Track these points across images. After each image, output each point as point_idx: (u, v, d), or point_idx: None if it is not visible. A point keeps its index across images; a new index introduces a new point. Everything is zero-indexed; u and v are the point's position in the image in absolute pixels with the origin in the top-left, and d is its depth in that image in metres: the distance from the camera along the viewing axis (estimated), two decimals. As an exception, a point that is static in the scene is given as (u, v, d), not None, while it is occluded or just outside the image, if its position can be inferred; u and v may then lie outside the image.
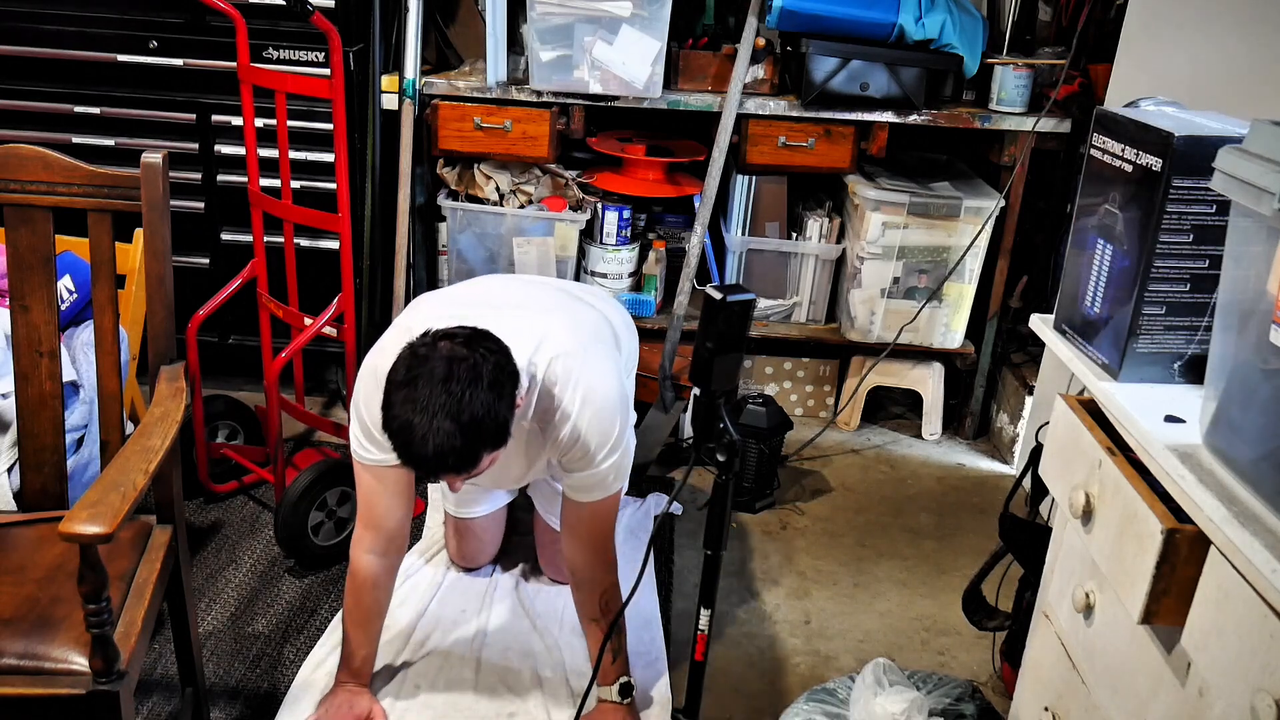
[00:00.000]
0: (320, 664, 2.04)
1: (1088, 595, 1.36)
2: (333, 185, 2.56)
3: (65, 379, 1.81)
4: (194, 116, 2.81)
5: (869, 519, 2.77)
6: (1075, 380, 1.42)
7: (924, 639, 2.31)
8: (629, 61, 2.75)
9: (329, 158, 2.75)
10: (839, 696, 1.88)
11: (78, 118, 2.81)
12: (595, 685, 1.91)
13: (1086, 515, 1.32)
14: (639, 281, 3.20)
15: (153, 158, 1.62)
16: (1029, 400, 2.93)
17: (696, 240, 2.87)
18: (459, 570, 2.37)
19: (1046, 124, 2.83)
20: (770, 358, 3.26)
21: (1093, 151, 1.37)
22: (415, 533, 2.50)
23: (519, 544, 2.45)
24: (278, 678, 2.05)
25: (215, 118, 2.81)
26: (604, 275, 3.12)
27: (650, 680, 2.06)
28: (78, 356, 2.12)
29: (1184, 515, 1.12)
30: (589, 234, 3.10)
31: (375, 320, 2.97)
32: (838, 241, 3.12)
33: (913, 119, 2.86)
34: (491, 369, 1.51)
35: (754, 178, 3.06)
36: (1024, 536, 1.89)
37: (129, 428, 2.16)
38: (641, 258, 3.20)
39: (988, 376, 3.16)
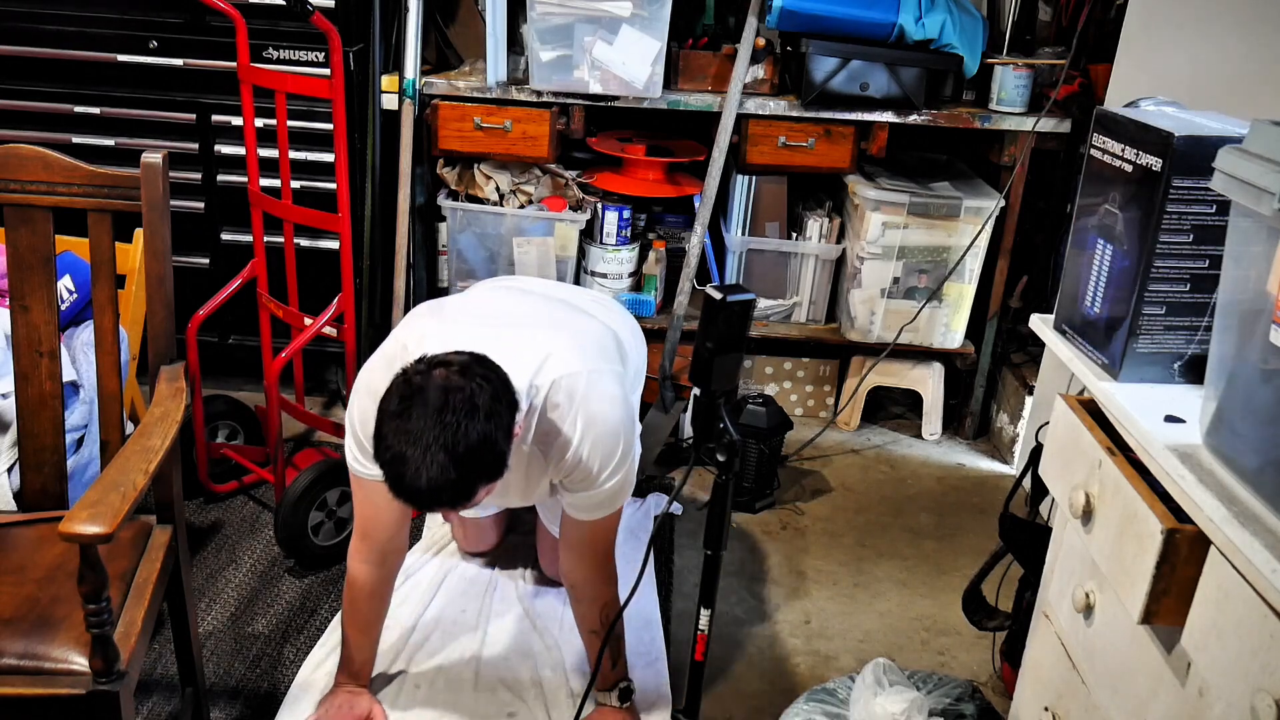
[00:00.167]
0: (320, 664, 2.04)
1: (1088, 595, 1.36)
2: (333, 185, 2.56)
3: (65, 379, 1.81)
4: (194, 116, 2.81)
5: (869, 519, 2.77)
6: (1075, 380, 1.42)
7: (924, 639, 2.31)
8: (629, 61, 2.75)
9: (329, 158, 2.75)
10: (839, 696, 1.88)
11: (78, 118, 2.81)
12: (595, 690, 1.91)
13: (1086, 515, 1.32)
14: (639, 281, 3.20)
15: (153, 158, 1.62)
16: (1029, 400, 2.93)
17: (696, 240, 2.87)
18: (464, 558, 2.37)
19: (1046, 124, 2.83)
20: (770, 358, 3.26)
21: (1093, 151, 1.37)
22: (415, 533, 2.50)
23: (519, 544, 2.45)
24: (278, 678, 2.05)
25: (215, 118, 2.81)
26: (604, 275, 3.12)
27: (650, 680, 2.06)
28: (78, 356, 2.12)
29: (1184, 515, 1.12)
30: (589, 234, 3.10)
31: (375, 320, 2.98)
32: (838, 241, 3.12)
33: (913, 119, 2.86)
34: (488, 398, 1.45)
35: (754, 178, 3.06)
36: (1024, 536, 1.89)
37: (129, 428, 2.16)
38: (641, 258, 3.20)
39: (988, 376, 3.16)
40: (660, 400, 2.90)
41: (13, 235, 1.65)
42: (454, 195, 3.06)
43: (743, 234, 3.12)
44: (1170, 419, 1.23)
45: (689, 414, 2.93)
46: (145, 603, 1.53)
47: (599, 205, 3.05)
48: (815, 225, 3.10)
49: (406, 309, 2.95)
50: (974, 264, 2.99)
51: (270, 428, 2.37)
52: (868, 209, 2.95)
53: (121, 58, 2.75)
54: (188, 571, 1.75)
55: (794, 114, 2.86)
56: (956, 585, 2.31)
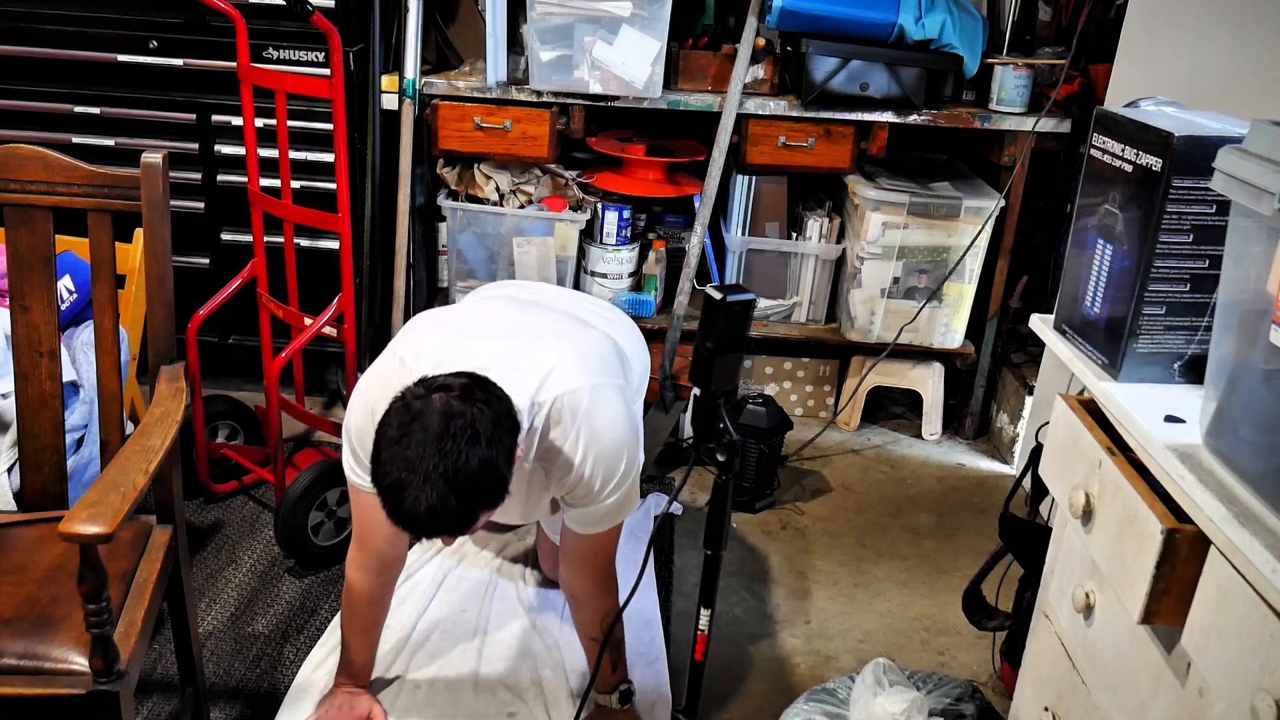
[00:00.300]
0: (320, 664, 2.04)
1: (1088, 595, 1.36)
2: (333, 185, 2.56)
3: (65, 379, 1.81)
4: (194, 116, 2.81)
5: (869, 519, 2.77)
6: (1075, 380, 1.42)
7: (924, 639, 2.31)
8: (629, 61, 2.75)
9: (329, 158, 2.75)
10: (839, 696, 1.88)
11: (78, 118, 2.81)
12: (595, 692, 1.91)
13: (1086, 515, 1.32)
14: (639, 281, 3.20)
15: (153, 158, 1.62)
16: (1029, 400, 2.93)
17: (696, 240, 2.87)
18: (464, 559, 2.37)
19: (1046, 124, 2.83)
20: (770, 358, 3.26)
21: (1093, 151, 1.37)
22: (415, 533, 2.50)
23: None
24: (278, 678, 2.05)
25: (215, 118, 2.81)
26: (604, 275, 3.12)
27: (650, 680, 2.06)
28: (78, 356, 2.12)
29: (1184, 515, 1.12)
30: (589, 234, 3.10)
31: (375, 320, 2.98)
32: (838, 241, 3.12)
33: (913, 119, 2.86)
34: (489, 424, 1.42)
35: (754, 178, 3.06)
36: (1024, 536, 1.89)
37: (129, 428, 2.16)
38: (641, 258, 3.20)
39: (988, 376, 3.16)
40: (660, 400, 2.90)
41: (13, 235, 1.65)
42: (454, 195, 3.06)
43: (743, 234, 3.12)
44: (1170, 419, 1.23)
45: (689, 414, 2.94)
46: (145, 603, 1.53)
47: (599, 205, 3.05)
48: (815, 225, 3.10)
49: (406, 309, 2.96)
50: (974, 264, 2.99)
51: (270, 428, 2.37)
52: (868, 209, 2.95)
53: (121, 58, 2.75)
54: (188, 571, 1.75)
55: (794, 114, 2.86)
56: (956, 585, 2.31)
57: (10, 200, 1.64)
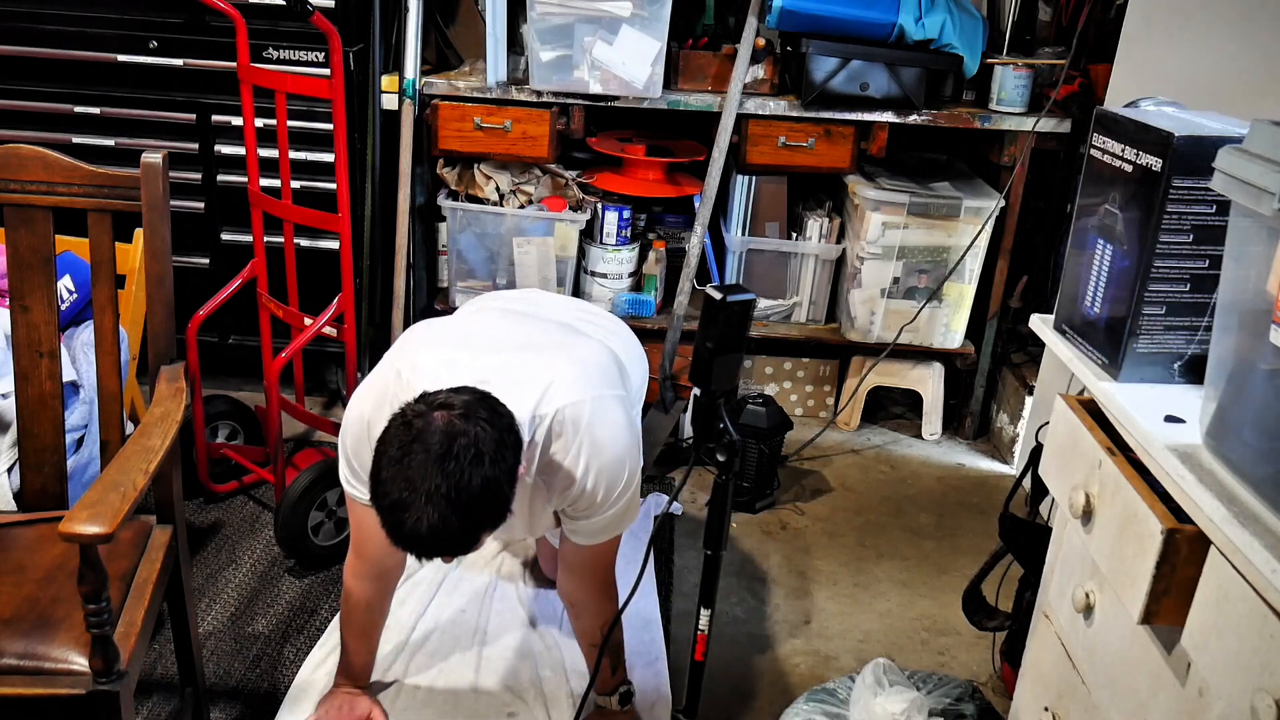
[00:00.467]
0: (320, 664, 2.04)
1: (1088, 595, 1.36)
2: (333, 185, 2.56)
3: (65, 379, 1.81)
4: (194, 116, 2.81)
5: (869, 519, 2.77)
6: (1075, 380, 1.42)
7: (924, 639, 2.31)
8: (629, 61, 2.75)
9: (329, 158, 2.75)
10: (839, 696, 1.88)
11: (78, 118, 2.81)
12: (595, 694, 1.91)
13: (1086, 515, 1.32)
14: (639, 281, 3.20)
15: (153, 158, 1.62)
16: (1029, 400, 2.93)
17: (696, 240, 2.87)
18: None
19: (1046, 124, 2.83)
20: (770, 358, 3.26)
21: (1093, 151, 1.37)
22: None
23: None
24: (278, 678, 2.05)
25: (215, 118, 2.81)
26: (604, 275, 3.12)
27: (650, 680, 2.06)
28: (78, 356, 2.12)
29: (1184, 515, 1.12)
30: (589, 234, 3.10)
31: (375, 320, 2.98)
32: (838, 241, 3.12)
33: (913, 119, 2.86)
34: (493, 443, 1.39)
35: (754, 178, 3.06)
36: (1024, 536, 1.89)
37: (129, 428, 2.16)
38: (641, 258, 3.20)
39: (988, 376, 3.16)
40: (660, 400, 2.90)
41: (13, 235, 1.65)
42: (454, 195, 3.06)
43: (743, 234, 3.12)
44: (1170, 419, 1.23)
45: (689, 414, 2.94)
46: (145, 603, 1.53)
47: (599, 205, 3.05)
48: (815, 225, 3.10)
49: (406, 309, 2.96)
50: (974, 264, 2.99)
51: (270, 428, 2.37)
52: (868, 209, 2.95)
53: (121, 58, 2.75)
54: (188, 571, 1.75)
55: (794, 114, 2.86)
56: (956, 585, 2.31)
57: (10, 200, 1.64)
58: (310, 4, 2.12)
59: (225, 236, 2.92)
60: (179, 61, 2.76)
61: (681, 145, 3.09)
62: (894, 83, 2.78)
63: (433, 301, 3.18)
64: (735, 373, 1.71)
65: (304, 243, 2.83)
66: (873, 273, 3.01)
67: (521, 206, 3.04)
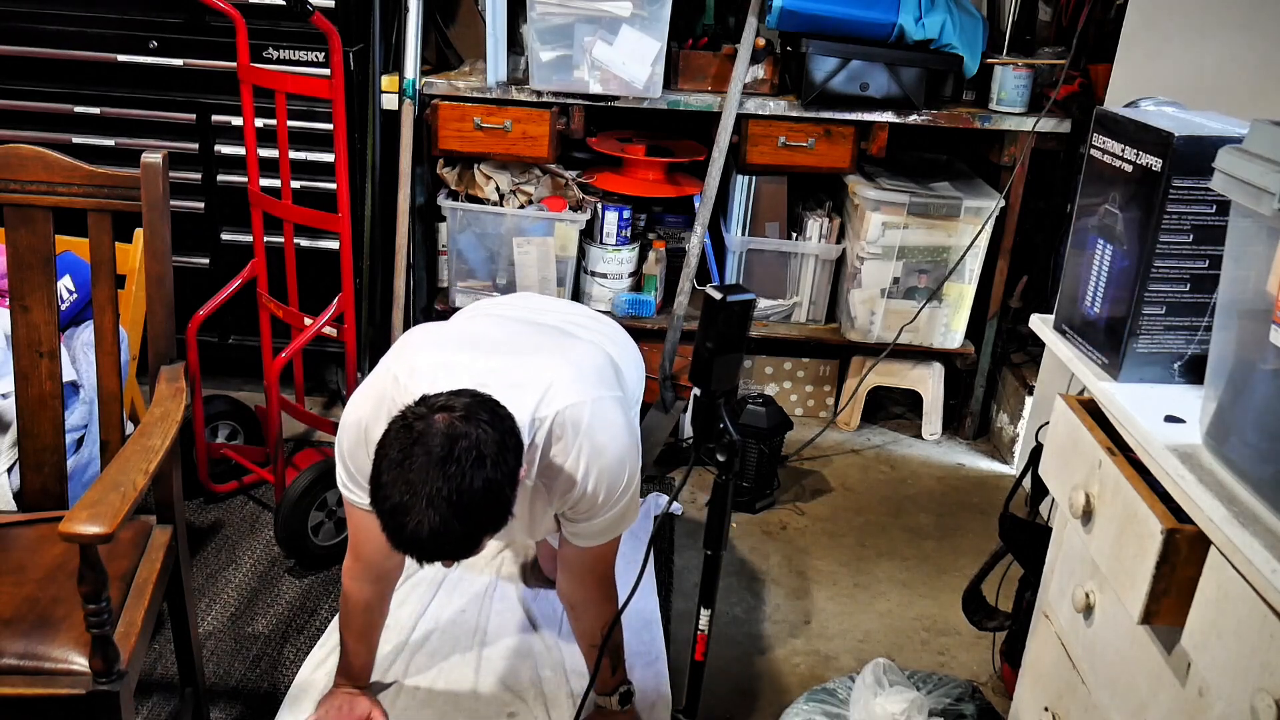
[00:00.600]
0: (320, 664, 2.04)
1: (1088, 595, 1.36)
2: (333, 185, 2.56)
3: (65, 379, 1.81)
4: (194, 116, 2.81)
5: (869, 519, 2.77)
6: (1075, 380, 1.42)
7: (924, 639, 2.31)
8: (629, 61, 2.75)
9: (329, 158, 2.75)
10: (839, 696, 1.88)
11: (78, 118, 2.81)
12: (595, 694, 1.90)
13: (1086, 515, 1.32)
14: (639, 281, 3.20)
15: (153, 158, 1.62)
16: (1029, 400, 2.93)
17: (696, 240, 2.87)
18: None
19: (1046, 124, 2.83)
20: (770, 358, 3.26)
21: (1093, 151, 1.37)
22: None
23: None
24: (278, 678, 2.05)
25: (215, 118, 2.81)
26: (604, 275, 3.12)
27: (650, 680, 2.06)
28: (78, 356, 2.13)
29: (1184, 515, 1.12)
30: (589, 234, 3.10)
31: (375, 320, 2.98)
32: (838, 241, 3.12)
33: (913, 119, 2.86)
34: (494, 445, 1.38)
35: (754, 178, 3.06)
36: (1024, 536, 1.89)
37: (129, 428, 2.16)
38: (641, 258, 3.20)
39: (988, 376, 3.16)
40: (660, 400, 2.90)
41: (13, 235, 1.65)
42: (454, 195, 3.06)
43: (743, 234, 3.12)
44: (1170, 419, 1.23)
45: (689, 414, 2.94)
46: (145, 603, 1.53)
47: (599, 205, 3.05)
48: (815, 225, 3.10)
49: (406, 309, 2.96)
50: (974, 264, 2.99)
51: (270, 428, 2.37)
52: (868, 209, 2.95)
53: (121, 58, 2.75)
54: (188, 571, 1.75)
55: (794, 114, 2.86)
56: (956, 585, 2.31)
57: (10, 200, 1.64)
58: (310, 4, 2.12)
59: (225, 236, 2.92)
60: (179, 61, 2.76)
61: (681, 145, 3.09)
62: (894, 83, 2.78)
63: (433, 301, 3.18)
64: (735, 373, 1.71)
65: (304, 243, 2.83)
66: (873, 273, 3.01)
67: (521, 206, 3.04)
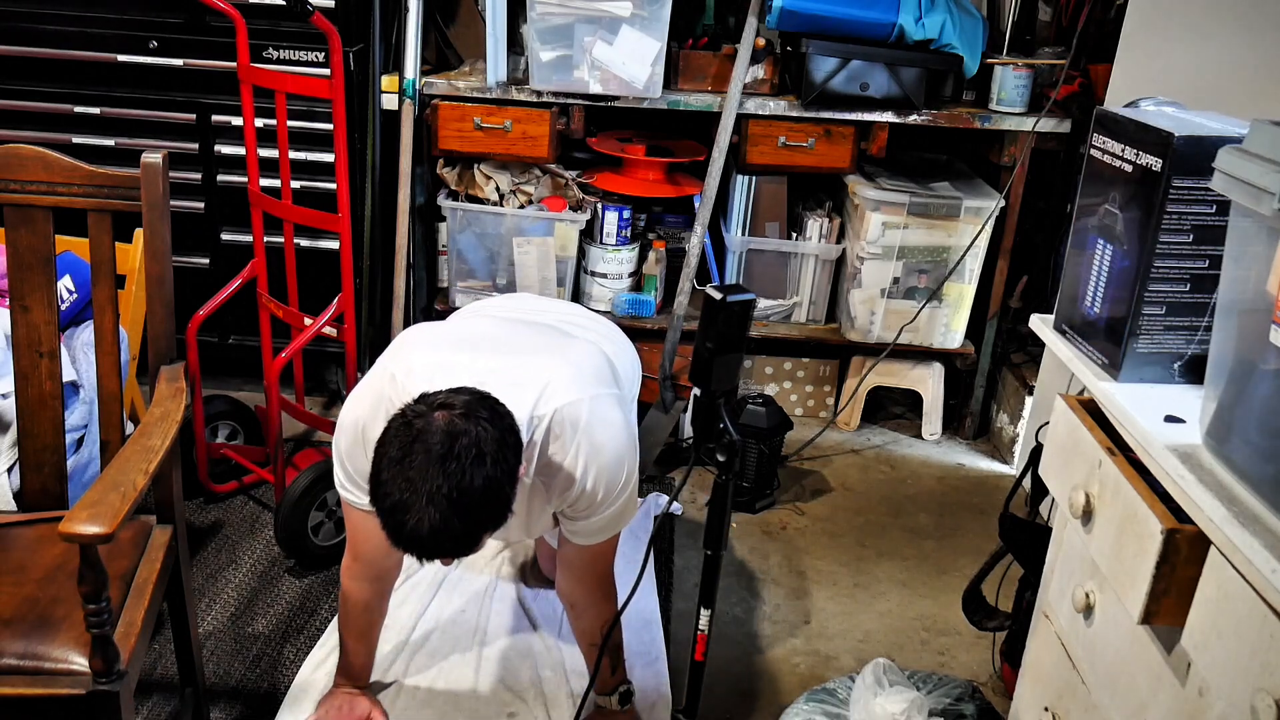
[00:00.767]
0: (320, 664, 2.04)
1: (1088, 595, 1.36)
2: (333, 185, 2.57)
3: (65, 379, 1.81)
4: (194, 116, 2.81)
5: (869, 519, 2.77)
6: (1075, 380, 1.42)
7: (924, 639, 2.31)
8: (629, 61, 2.75)
9: (329, 158, 2.75)
10: (839, 696, 1.88)
11: (78, 118, 2.81)
12: (595, 694, 1.90)
13: (1086, 515, 1.32)
14: (639, 281, 3.20)
15: (153, 158, 1.62)
16: (1029, 400, 2.93)
17: (696, 240, 2.87)
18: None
19: (1046, 124, 2.83)
20: (770, 358, 3.26)
21: (1093, 151, 1.37)
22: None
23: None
24: (278, 678, 2.05)
25: (215, 118, 2.81)
26: (604, 275, 3.12)
27: (650, 680, 2.06)
28: (78, 356, 2.13)
29: (1184, 515, 1.12)
30: (589, 234, 3.10)
31: (375, 320, 2.98)
32: (838, 241, 3.12)
33: (913, 119, 2.86)
34: (494, 443, 1.38)
35: (754, 178, 3.06)
36: (1024, 536, 1.89)
37: (129, 428, 2.16)
38: (641, 258, 3.20)
39: (988, 376, 3.16)
40: (660, 400, 2.90)
41: (13, 235, 1.65)
42: (454, 195, 3.06)
43: (743, 234, 3.12)
44: (1170, 419, 1.23)
45: (689, 414, 2.94)
46: (145, 603, 1.53)
47: (599, 205, 3.05)
48: (815, 225, 3.10)
49: (406, 309, 2.96)
50: (974, 264, 2.99)
51: (270, 428, 2.37)
52: (868, 209, 2.95)
53: (121, 58, 2.75)
54: (188, 571, 1.75)
55: (794, 114, 2.86)
56: (956, 585, 2.31)
57: (10, 200, 1.64)
58: (310, 4, 2.12)
59: (225, 236, 2.93)
60: (179, 61, 2.76)
61: (681, 145, 3.09)
62: (894, 83, 2.78)
63: (433, 301, 3.18)
64: (735, 373, 1.71)
65: (304, 243, 2.83)
66: (873, 273, 3.01)
67: (521, 206, 3.04)
